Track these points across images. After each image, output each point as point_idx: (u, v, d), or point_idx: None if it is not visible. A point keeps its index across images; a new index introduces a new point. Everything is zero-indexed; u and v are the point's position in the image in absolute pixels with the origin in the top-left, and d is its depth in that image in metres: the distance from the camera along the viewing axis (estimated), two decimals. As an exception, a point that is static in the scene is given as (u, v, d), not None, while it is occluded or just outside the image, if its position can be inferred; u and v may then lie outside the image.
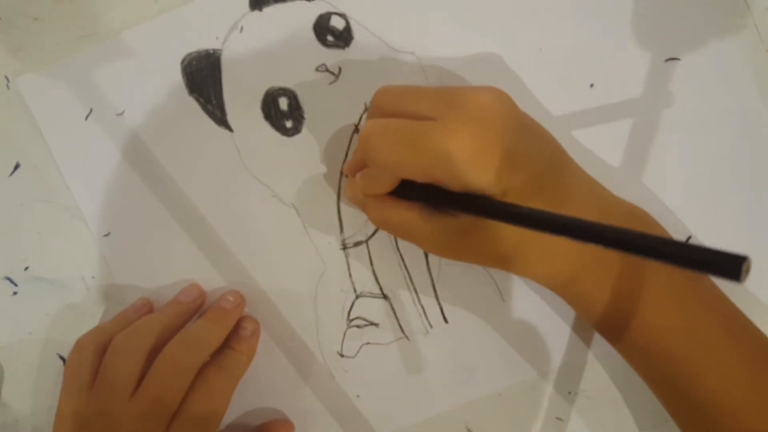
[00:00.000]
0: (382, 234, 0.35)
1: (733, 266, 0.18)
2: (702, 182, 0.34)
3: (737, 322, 0.30)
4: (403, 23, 0.34)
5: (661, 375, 0.30)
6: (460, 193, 0.27)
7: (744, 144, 0.34)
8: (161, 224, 0.35)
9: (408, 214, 0.30)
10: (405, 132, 0.27)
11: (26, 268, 0.36)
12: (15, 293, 0.36)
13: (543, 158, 0.29)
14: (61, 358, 0.37)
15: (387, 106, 0.30)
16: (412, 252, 0.35)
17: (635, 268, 0.29)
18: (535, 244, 0.29)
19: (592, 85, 0.34)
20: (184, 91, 0.35)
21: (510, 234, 0.28)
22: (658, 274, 0.29)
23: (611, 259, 0.29)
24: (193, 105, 0.35)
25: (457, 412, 0.36)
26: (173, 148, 0.35)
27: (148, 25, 0.35)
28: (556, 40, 0.34)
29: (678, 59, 0.34)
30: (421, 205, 0.30)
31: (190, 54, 0.35)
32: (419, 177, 0.28)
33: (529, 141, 0.28)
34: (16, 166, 0.36)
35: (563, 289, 0.31)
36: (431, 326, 0.35)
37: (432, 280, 0.35)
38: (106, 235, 0.36)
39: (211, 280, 0.36)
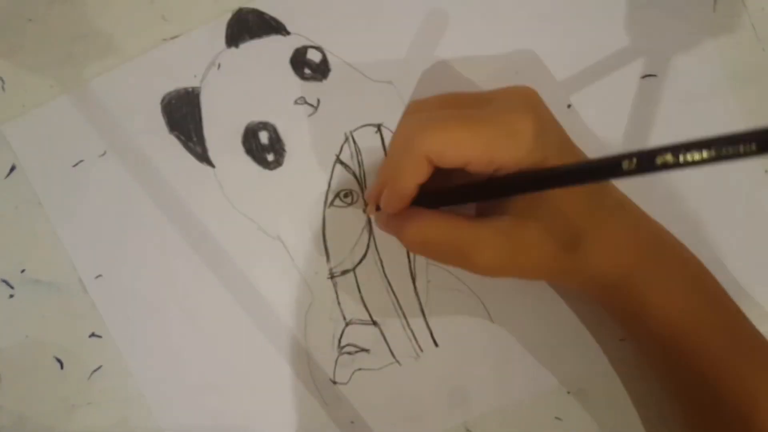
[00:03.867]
0: (369, 261, 0.35)
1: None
2: (698, 184, 0.34)
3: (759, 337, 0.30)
4: (379, 53, 0.34)
5: (690, 379, 0.30)
6: (529, 169, 0.26)
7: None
8: (150, 264, 0.36)
9: (453, 222, 0.28)
10: (460, 114, 0.27)
11: (22, 271, 0.36)
12: (11, 296, 0.36)
13: (577, 150, 0.30)
14: (58, 360, 0.36)
15: (421, 111, 0.29)
16: (400, 277, 0.35)
17: (672, 264, 0.29)
18: (595, 234, 0.28)
19: (569, 106, 0.34)
20: (165, 129, 0.35)
21: (573, 220, 0.27)
22: (691, 274, 0.30)
23: (655, 252, 0.29)
24: (174, 143, 0.35)
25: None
26: (156, 186, 0.35)
27: (127, 66, 0.35)
28: (531, 64, 0.34)
29: (655, 75, 0.34)
30: (456, 213, 0.28)
31: (170, 93, 0.35)
32: (478, 155, 0.26)
33: (559, 131, 0.29)
34: (12, 168, 0.36)
35: (611, 291, 0.30)
36: (421, 350, 0.36)
37: (420, 304, 0.35)
38: (97, 277, 0.36)
39: (201, 316, 0.36)
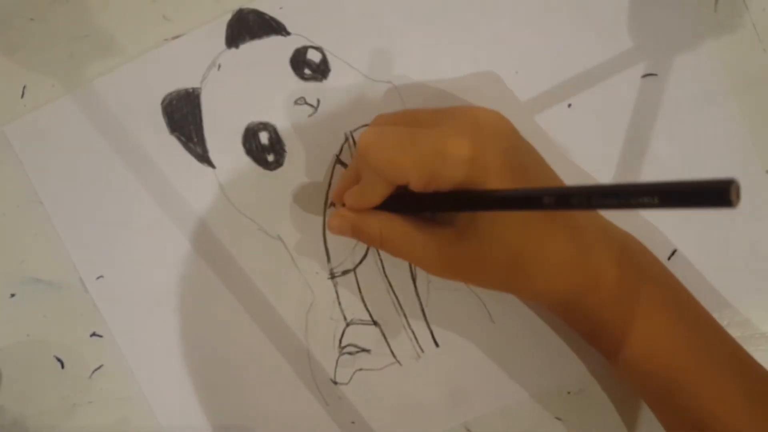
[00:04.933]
0: (370, 261, 0.35)
1: (722, 191, 0.17)
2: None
3: (735, 349, 0.30)
4: (378, 53, 0.34)
5: (661, 395, 0.30)
6: (454, 191, 0.27)
7: (743, 144, 0.34)
8: (151, 264, 0.36)
9: (406, 226, 0.30)
10: (404, 134, 0.28)
11: (24, 270, 0.36)
12: (13, 295, 0.37)
13: (541, 174, 0.29)
14: (59, 360, 0.37)
15: (385, 123, 0.31)
16: (400, 278, 0.35)
17: (636, 284, 0.29)
18: (534, 255, 0.28)
19: (569, 105, 0.34)
20: (166, 130, 0.35)
21: (507, 240, 0.28)
22: (660, 291, 0.30)
23: (612, 274, 0.29)
24: (174, 143, 0.35)
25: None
26: (157, 187, 0.35)
27: (128, 66, 0.35)
28: (532, 63, 0.34)
29: (655, 74, 0.34)
30: (415, 217, 0.30)
31: (170, 93, 0.35)
32: (418, 179, 0.27)
33: (526, 154, 0.30)
34: (13, 168, 0.36)
35: (565, 307, 0.31)
36: (422, 350, 0.36)
37: (421, 304, 0.35)
38: (98, 278, 0.36)
39: (201, 316, 0.36)
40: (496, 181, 0.27)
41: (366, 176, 0.30)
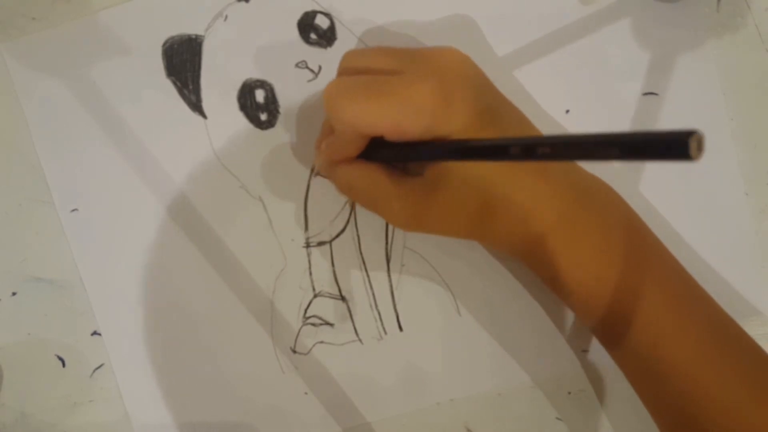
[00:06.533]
0: (347, 236, 0.35)
1: (682, 143, 0.17)
2: (702, 187, 0.34)
3: (727, 326, 0.30)
4: (387, 29, 0.34)
5: (637, 364, 0.30)
6: (426, 141, 0.27)
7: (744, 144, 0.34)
8: (126, 203, 0.35)
9: (375, 175, 0.30)
10: (370, 84, 0.28)
11: (25, 269, 0.36)
12: (14, 293, 0.36)
13: (508, 116, 0.30)
14: (60, 358, 0.36)
15: (352, 67, 0.30)
16: (375, 257, 0.35)
17: (597, 227, 0.29)
18: (502, 202, 0.29)
19: (567, 111, 0.34)
20: (163, 73, 0.35)
21: (476, 188, 0.28)
22: (625, 234, 0.29)
23: (579, 220, 0.29)
24: (169, 87, 0.35)
25: (457, 411, 0.36)
26: (146, 126, 0.35)
27: (134, 4, 0.35)
28: (534, 69, 0.34)
29: (656, 94, 0.34)
30: (388, 167, 0.30)
31: (173, 37, 0.35)
32: (386, 129, 0.27)
33: (493, 97, 0.30)
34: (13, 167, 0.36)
35: (528, 252, 0.30)
36: (385, 332, 0.35)
37: (391, 286, 0.35)
38: (72, 211, 0.36)
39: (168, 266, 0.36)
40: (464, 125, 0.27)
41: (337, 129, 0.30)
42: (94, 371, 0.37)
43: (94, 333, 0.36)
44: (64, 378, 0.37)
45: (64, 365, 0.36)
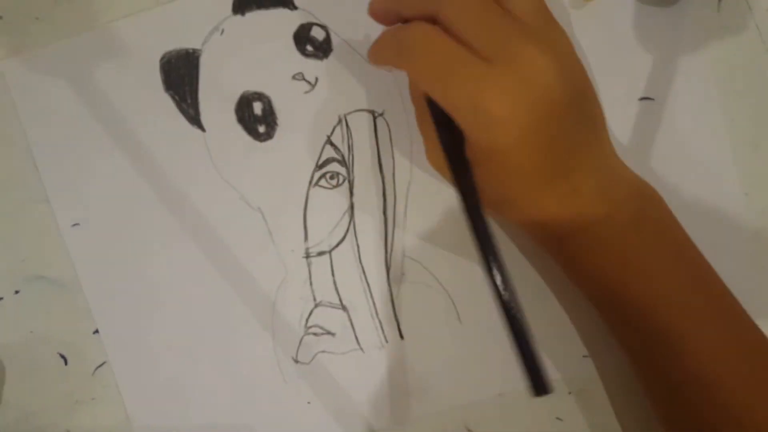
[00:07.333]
0: (347, 246, 0.35)
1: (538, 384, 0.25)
2: (702, 187, 0.35)
3: (729, 302, 0.29)
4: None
5: (644, 344, 0.30)
6: (456, 159, 0.27)
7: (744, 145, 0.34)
8: (125, 218, 0.36)
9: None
10: (456, 57, 0.25)
11: (27, 267, 0.37)
12: (16, 292, 0.37)
13: (568, 153, 0.28)
14: (62, 356, 0.37)
15: (450, 15, 0.26)
16: (374, 266, 0.35)
17: (632, 230, 0.29)
18: (527, 202, 0.29)
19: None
20: (161, 87, 0.35)
21: (503, 180, 0.28)
22: (660, 247, 0.29)
23: (600, 215, 0.28)
24: (168, 102, 0.35)
25: (457, 412, 0.36)
26: (145, 140, 0.35)
27: (131, 19, 0.35)
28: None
29: (652, 99, 0.34)
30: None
31: (170, 52, 0.35)
32: (442, 104, 0.26)
33: (563, 126, 0.27)
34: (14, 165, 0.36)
35: (554, 242, 0.30)
36: (387, 341, 0.36)
37: (391, 294, 0.35)
38: (74, 226, 0.36)
39: (174, 273, 0.36)
40: (514, 151, 0.26)
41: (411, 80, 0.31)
42: (96, 369, 0.37)
43: (96, 331, 0.36)
44: (66, 376, 0.37)
45: (66, 363, 0.37)
